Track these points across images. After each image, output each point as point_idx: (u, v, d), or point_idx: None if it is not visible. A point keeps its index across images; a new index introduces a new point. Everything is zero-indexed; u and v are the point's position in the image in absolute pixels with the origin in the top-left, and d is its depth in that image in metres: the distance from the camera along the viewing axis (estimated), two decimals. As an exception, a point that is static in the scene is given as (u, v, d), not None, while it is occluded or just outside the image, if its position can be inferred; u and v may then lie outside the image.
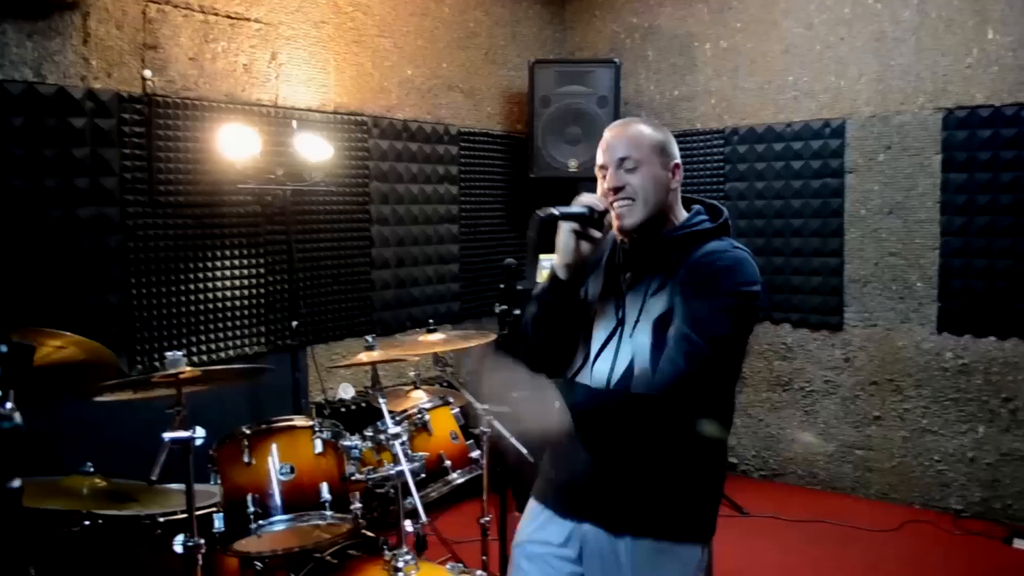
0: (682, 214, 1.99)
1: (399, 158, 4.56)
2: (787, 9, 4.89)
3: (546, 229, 1.85)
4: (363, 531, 2.71)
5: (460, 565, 2.59)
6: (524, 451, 3.03)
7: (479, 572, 2.51)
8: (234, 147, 3.56)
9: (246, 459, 2.49)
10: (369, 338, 2.72)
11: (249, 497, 2.45)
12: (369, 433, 2.65)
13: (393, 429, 2.50)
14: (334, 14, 4.19)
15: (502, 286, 3.25)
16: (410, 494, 2.46)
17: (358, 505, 2.57)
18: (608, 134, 1.97)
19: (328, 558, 2.72)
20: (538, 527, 2.03)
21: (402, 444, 2.48)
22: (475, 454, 2.99)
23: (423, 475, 2.63)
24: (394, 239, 4.56)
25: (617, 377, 1.88)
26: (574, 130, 4.87)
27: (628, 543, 1.88)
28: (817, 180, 4.82)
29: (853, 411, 4.77)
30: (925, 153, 4.48)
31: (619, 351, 1.90)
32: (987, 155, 4.29)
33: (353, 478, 2.55)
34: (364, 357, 2.66)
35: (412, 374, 3.39)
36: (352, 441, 2.58)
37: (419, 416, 2.84)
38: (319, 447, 2.53)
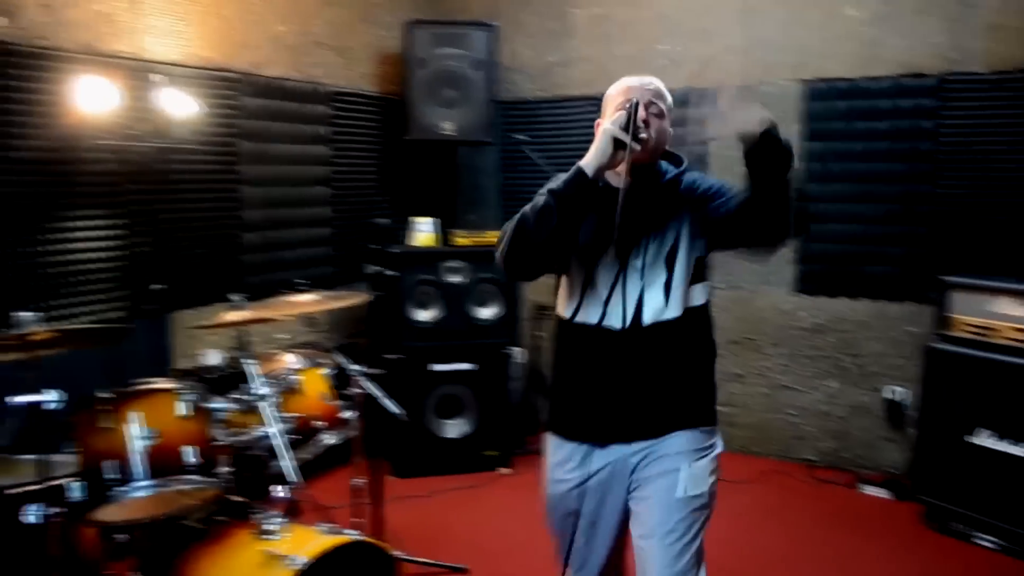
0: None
1: (269, 117, 4.43)
2: (658, -22, 4.99)
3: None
4: (232, 496, 2.66)
5: (332, 525, 2.58)
6: (397, 412, 3.03)
7: (349, 530, 2.50)
8: (92, 101, 3.36)
9: (105, 424, 2.40)
10: (235, 297, 2.65)
11: (109, 463, 2.36)
12: (237, 396, 2.59)
13: (261, 390, 2.45)
14: (198, -36, 4.01)
15: (373, 247, 3.22)
16: (280, 456, 2.43)
17: (226, 469, 2.52)
18: (638, 80, 2.20)
19: (195, 524, 2.65)
20: (575, 464, 2.24)
21: (271, 405, 2.44)
22: (347, 415, 2.97)
23: (293, 437, 2.60)
24: (265, 200, 4.43)
25: (631, 312, 2.12)
26: (450, 93, 4.83)
27: (662, 441, 2.17)
28: (684, 147, 4.95)
29: (717, 370, 4.94)
30: (786, 123, 4.64)
31: (627, 290, 2.13)
32: (843, 126, 4.52)
33: (220, 441, 2.49)
34: (232, 317, 2.59)
35: (282, 337, 3.32)
36: (219, 403, 2.52)
37: (288, 377, 2.79)
38: (183, 410, 2.46)
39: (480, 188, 5.60)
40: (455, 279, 4.63)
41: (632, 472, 2.20)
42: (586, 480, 2.22)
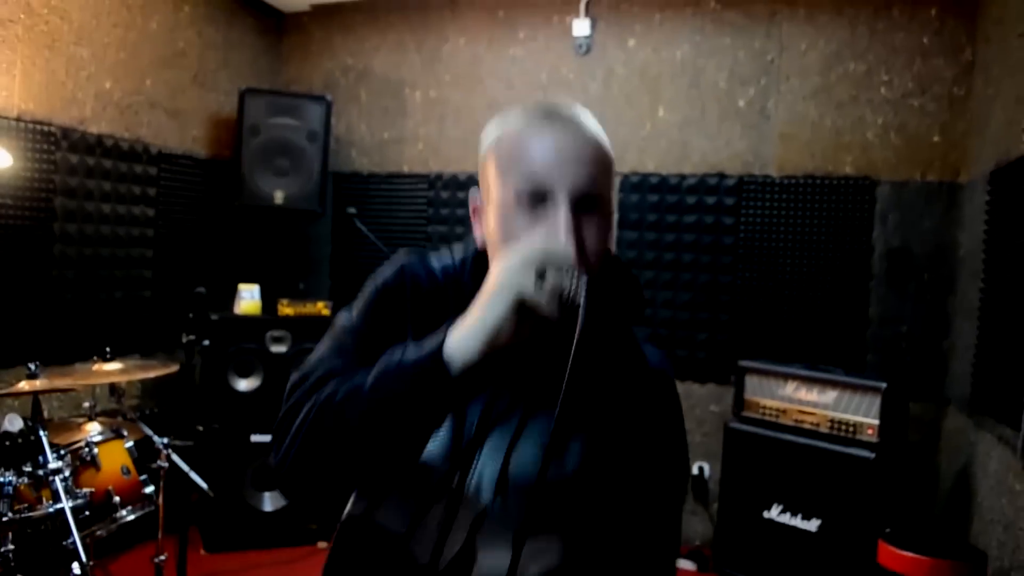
0: None
1: (90, 174, 4.29)
2: (491, 69, 5.24)
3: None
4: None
5: (124, 606, 2.48)
6: (204, 486, 2.97)
7: (143, 612, 2.42)
8: None
9: None
10: (32, 365, 2.55)
11: None
12: (28, 468, 2.48)
13: (54, 464, 2.36)
14: (25, 14, 3.89)
15: (192, 315, 3.18)
16: (70, 534, 2.33)
17: (10, 547, 2.39)
18: (549, 130, 1.19)
19: (-29, 607, 2.49)
20: None
21: (63, 480, 2.35)
22: (149, 490, 2.88)
23: (87, 513, 2.50)
24: (80, 260, 4.27)
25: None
26: (282, 162, 4.85)
27: None
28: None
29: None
30: (605, 211, 4.97)
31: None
32: (655, 217, 4.86)
33: (5, 518, 2.37)
34: (25, 386, 2.49)
35: (86, 405, 3.19)
36: (5, 477, 2.39)
37: (86, 449, 2.69)
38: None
39: (310, 258, 5.59)
40: (278, 348, 4.59)
41: None
42: None
